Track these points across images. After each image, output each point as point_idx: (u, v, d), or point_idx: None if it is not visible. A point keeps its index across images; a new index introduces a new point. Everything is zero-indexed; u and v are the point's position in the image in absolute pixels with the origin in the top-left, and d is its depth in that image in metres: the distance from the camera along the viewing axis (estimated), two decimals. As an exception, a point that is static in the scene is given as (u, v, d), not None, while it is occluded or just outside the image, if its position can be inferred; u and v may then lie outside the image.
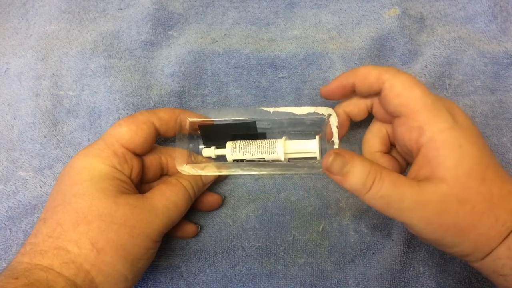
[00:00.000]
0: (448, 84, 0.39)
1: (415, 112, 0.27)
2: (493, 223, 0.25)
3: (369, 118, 0.34)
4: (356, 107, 0.33)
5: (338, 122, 0.32)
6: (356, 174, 0.27)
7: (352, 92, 0.32)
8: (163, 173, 0.35)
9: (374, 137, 0.34)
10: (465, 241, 0.26)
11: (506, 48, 0.39)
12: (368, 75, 0.29)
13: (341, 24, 0.42)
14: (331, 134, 0.32)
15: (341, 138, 0.33)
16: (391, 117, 0.30)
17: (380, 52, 0.40)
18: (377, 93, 0.30)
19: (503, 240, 0.25)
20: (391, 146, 0.34)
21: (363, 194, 0.27)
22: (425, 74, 0.38)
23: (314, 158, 0.34)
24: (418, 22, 0.41)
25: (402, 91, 0.28)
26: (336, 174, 0.27)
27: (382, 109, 0.31)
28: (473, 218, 0.25)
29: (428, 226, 0.26)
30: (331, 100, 0.34)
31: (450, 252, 0.28)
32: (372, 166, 0.27)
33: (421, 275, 0.35)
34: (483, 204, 0.25)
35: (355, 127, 0.38)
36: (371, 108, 0.33)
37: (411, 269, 0.35)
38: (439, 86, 0.39)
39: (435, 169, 0.26)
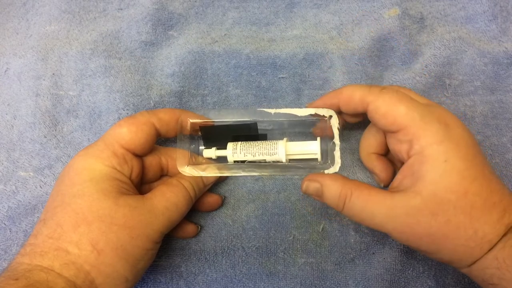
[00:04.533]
0: (448, 84, 0.39)
1: (404, 128, 0.28)
2: (472, 235, 0.26)
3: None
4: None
5: (339, 123, 0.32)
6: (329, 195, 0.29)
7: (338, 109, 0.32)
8: (163, 174, 0.35)
9: (371, 139, 0.34)
10: (443, 250, 0.27)
11: (506, 48, 0.39)
12: (352, 98, 0.30)
13: (341, 24, 0.41)
14: (332, 135, 0.32)
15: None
16: None
17: (380, 52, 0.40)
18: (363, 113, 0.31)
19: (489, 251, 0.26)
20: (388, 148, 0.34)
21: (340, 211, 0.29)
22: (425, 74, 0.38)
23: (315, 159, 0.34)
24: (418, 22, 0.41)
25: (387, 111, 0.28)
26: (314, 196, 0.31)
27: None
28: (448, 230, 0.26)
29: (402, 235, 0.27)
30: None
31: (431, 257, 0.29)
32: (343, 187, 0.28)
33: (421, 275, 0.35)
34: (460, 217, 0.26)
35: (356, 127, 0.38)
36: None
37: (411, 269, 0.35)
38: (439, 86, 0.39)
39: (415, 182, 0.27)
